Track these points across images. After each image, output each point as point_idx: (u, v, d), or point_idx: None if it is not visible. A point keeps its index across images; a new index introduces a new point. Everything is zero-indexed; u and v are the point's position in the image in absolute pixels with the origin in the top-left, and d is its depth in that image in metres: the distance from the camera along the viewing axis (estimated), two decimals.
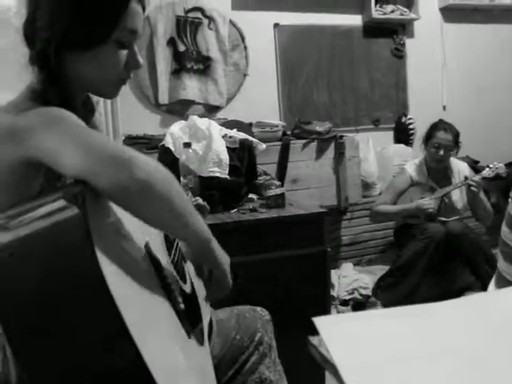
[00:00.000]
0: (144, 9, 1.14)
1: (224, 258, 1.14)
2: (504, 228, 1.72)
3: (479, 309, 0.94)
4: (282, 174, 3.30)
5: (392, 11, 4.16)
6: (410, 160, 3.70)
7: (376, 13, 4.08)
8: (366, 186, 3.80)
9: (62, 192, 0.83)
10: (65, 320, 0.73)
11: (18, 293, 0.74)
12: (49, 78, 1.03)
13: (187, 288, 1.18)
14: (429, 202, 3.14)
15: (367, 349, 0.79)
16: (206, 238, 1.04)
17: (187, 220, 0.97)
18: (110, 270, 0.75)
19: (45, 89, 1.03)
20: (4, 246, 0.77)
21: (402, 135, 4.29)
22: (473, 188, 3.10)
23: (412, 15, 4.23)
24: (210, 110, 3.77)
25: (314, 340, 0.80)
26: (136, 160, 0.85)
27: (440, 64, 4.46)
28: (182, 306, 1.03)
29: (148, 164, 0.87)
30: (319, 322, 0.86)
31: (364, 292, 3.12)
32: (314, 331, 0.83)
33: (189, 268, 1.26)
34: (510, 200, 1.70)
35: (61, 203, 0.80)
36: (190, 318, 1.08)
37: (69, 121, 0.94)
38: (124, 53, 1.10)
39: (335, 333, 0.82)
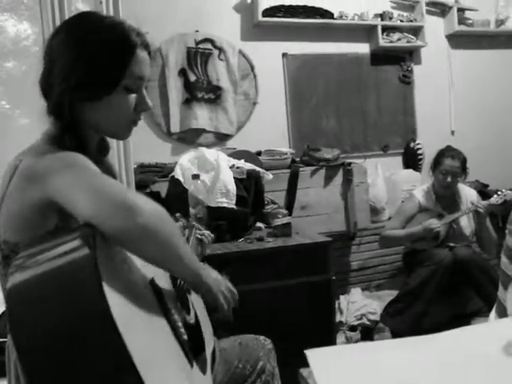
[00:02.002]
0: (150, 54, 1.22)
1: (216, 285, 1.20)
2: (503, 259, 1.75)
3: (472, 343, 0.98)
4: (291, 200, 3.35)
5: (399, 39, 4.23)
6: (418, 185, 3.74)
7: (383, 41, 4.15)
8: (375, 211, 3.84)
9: (78, 232, 0.90)
10: (73, 354, 0.79)
11: (33, 327, 0.80)
12: (64, 126, 1.11)
13: (191, 319, 1.24)
14: (435, 222, 3.18)
15: (355, 382, 0.83)
16: (197, 274, 1.11)
17: (182, 259, 1.04)
18: (117, 307, 0.81)
19: (61, 135, 1.12)
20: (21, 284, 0.84)
21: (411, 160, 4.32)
22: (479, 210, 3.14)
23: (419, 42, 4.30)
24: (221, 139, 3.85)
25: (304, 372, 0.85)
26: (139, 207, 0.93)
27: (447, 90, 4.51)
28: (185, 336, 1.09)
29: (150, 211, 0.95)
30: (311, 354, 0.90)
31: (372, 318, 3.14)
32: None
33: (192, 299, 1.32)
34: (507, 231, 1.74)
35: (76, 243, 0.87)
36: (193, 348, 1.14)
37: (84, 166, 1.03)
38: (133, 97, 1.18)
39: (325, 366, 0.87)
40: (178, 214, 1.62)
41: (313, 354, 0.90)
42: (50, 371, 0.78)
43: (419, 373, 0.86)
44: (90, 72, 1.11)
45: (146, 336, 0.91)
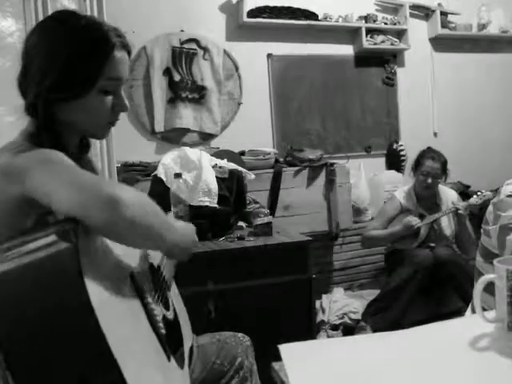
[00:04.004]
0: (129, 53, 1.22)
1: (187, 237, 1.21)
2: (478, 258, 1.80)
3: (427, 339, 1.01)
4: (273, 200, 3.38)
5: (382, 41, 4.27)
6: (401, 186, 3.78)
7: (367, 43, 4.19)
8: (358, 212, 3.87)
9: (54, 228, 0.91)
10: (53, 344, 0.80)
11: (11, 320, 0.81)
12: (41, 125, 1.12)
13: (170, 315, 1.25)
14: (415, 219, 3.22)
15: (324, 376, 0.86)
16: (177, 245, 1.12)
17: (164, 240, 1.05)
18: (97, 298, 0.82)
19: (38, 132, 1.12)
20: None
21: (394, 162, 4.37)
22: (460, 211, 3.19)
23: (402, 45, 4.35)
24: (205, 138, 3.87)
25: (276, 365, 0.87)
26: (121, 199, 0.92)
27: (430, 92, 4.56)
28: (163, 331, 1.10)
29: (132, 201, 0.95)
30: (284, 348, 0.93)
31: (354, 317, 3.17)
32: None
33: (172, 296, 1.33)
34: (482, 231, 1.78)
35: (52, 238, 0.88)
36: (171, 343, 1.15)
37: (61, 162, 1.04)
38: (109, 98, 1.18)
39: (296, 359, 0.89)
40: None
41: (286, 348, 0.92)
42: (30, 362, 0.79)
43: (389, 367, 0.88)
44: (65, 74, 1.10)
45: (124, 328, 0.92)
